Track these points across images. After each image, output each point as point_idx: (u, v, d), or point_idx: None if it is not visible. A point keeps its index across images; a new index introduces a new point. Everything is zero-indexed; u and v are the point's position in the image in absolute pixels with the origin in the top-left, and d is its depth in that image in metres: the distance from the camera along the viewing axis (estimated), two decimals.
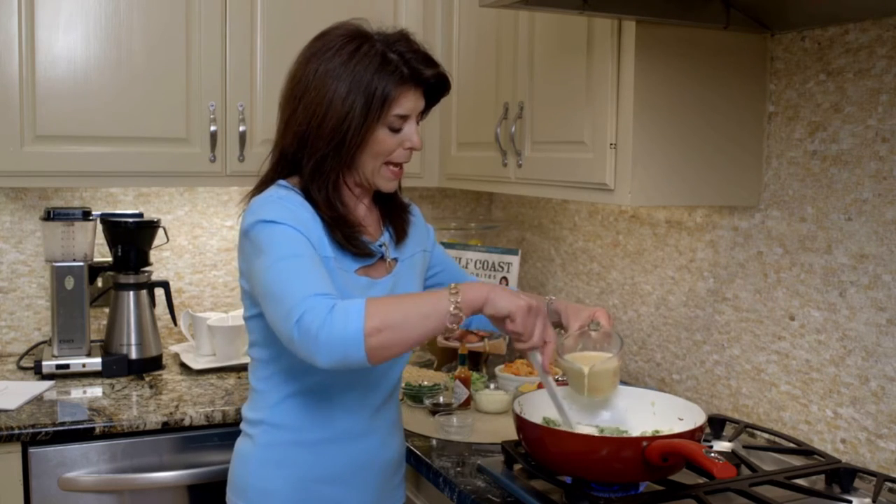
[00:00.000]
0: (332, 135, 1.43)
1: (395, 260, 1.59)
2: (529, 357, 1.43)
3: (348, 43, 1.45)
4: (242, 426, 1.59)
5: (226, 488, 1.60)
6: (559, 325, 1.67)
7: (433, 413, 2.00)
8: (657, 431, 1.56)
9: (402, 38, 1.47)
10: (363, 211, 1.57)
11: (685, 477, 1.46)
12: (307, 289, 1.30)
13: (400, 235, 1.61)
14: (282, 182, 1.50)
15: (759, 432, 1.83)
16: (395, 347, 1.28)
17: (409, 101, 1.47)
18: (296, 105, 1.47)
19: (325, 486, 1.53)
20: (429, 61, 1.48)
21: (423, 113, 1.54)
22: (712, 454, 1.30)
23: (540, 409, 1.61)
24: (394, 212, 1.62)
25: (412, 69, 1.45)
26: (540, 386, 1.84)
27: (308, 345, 1.26)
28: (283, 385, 1.51)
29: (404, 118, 1.47)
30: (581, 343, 1.59)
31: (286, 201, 1.44)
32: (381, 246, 1.56)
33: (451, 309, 1.30)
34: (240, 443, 1.59)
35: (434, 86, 1.51)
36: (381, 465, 1.60)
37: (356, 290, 1.48)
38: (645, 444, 1.36)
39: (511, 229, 2.84)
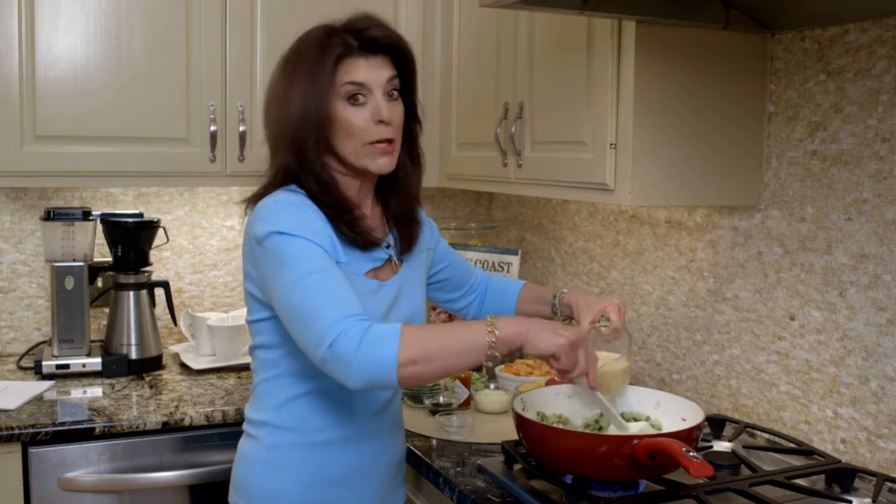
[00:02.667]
0: (297, 127, 1.44)
1: (401, 260, 1.59)
2: (576, 380, 1.44)
3: (297, 42, 1.49)
4: (245, 426, 1.59)
5: (226, 488, 1.60)
6: (570, 318, 1.68)
7: (433, 413, 2.00)
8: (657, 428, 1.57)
9: (358, 17, 1.47)
10: (367, 208, 1.56)
11: (685, 477, 1.46)
12: (338, 310, 1.31)
13: (405, 245, 1.60)
14: (292, 186, 1.49)
15: (759, 432, 1.83)
16: (427, 378, 1.31)
17: (359, 70, 1.44)
18: (267, 112, 1.52)
19: (330, 488, 1.52)
20: (378, 25, 1.46)
21: (402, 86, 1.51)
22: (691, 454, 1.30)
23: (538, 407, 1.62)
24: (407, 223, 1.61)
25: (360, 37, 1.45)
26: (550, 382, 1.86)
27: (341, 368, 1.28)
28: (288, 387, 1.51)
29: (360, 86, 1.44)
30: (591, 340, 1.59)
31: (297, 208, 1.43)
32: (387, 246, 1.56)
33: (487, 350, 1.31)
34: (243, 444, 1.58)
35: (392, 49, 1.48)
36: (384, 465, 1.60)
37: (365, 294, 1.48)
38: (635, 441, 1.37)
39: (511, 229, 2.84)
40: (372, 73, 1.45)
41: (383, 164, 1.49)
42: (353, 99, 1.45)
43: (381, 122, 1.45)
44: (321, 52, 1.44)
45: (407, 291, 1.58)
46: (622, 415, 1.62)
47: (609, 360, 1.56)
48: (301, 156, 1.46)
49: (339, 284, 1.35)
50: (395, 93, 1.49)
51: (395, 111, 1.48)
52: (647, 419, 1.62)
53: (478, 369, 2.30)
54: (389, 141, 1.48)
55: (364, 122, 1.45)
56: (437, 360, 1.29)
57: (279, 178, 1.50)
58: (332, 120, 1.45)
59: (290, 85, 1.45)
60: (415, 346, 1.28)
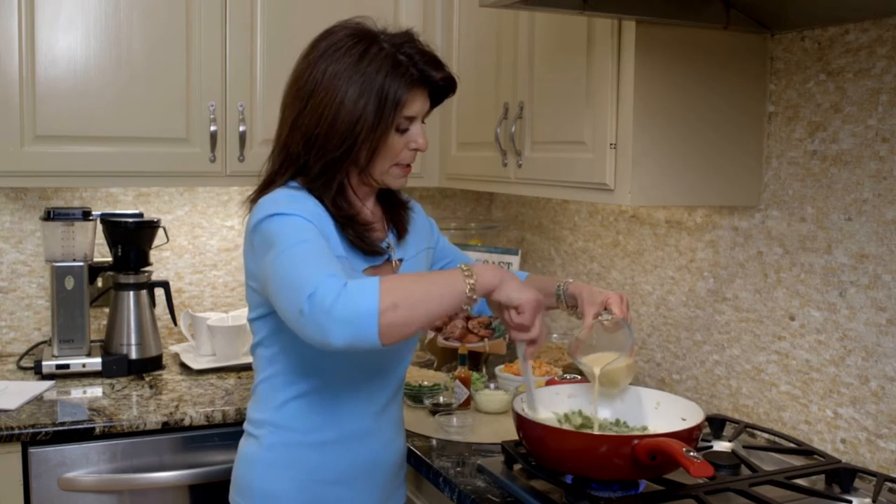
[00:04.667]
0: (343, 137, 1.43)
1: (401, 260, 1.59)
2: (517, 345, 1.47)
3: (357, 43, 1.44)
4: (246, 426, 1.59)
5: (227, 488, 1.60)
6: (575, 307, 1.67)
7: (433, 413, 2.00)
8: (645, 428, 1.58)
9: (409, 39, 1.47)
10: (370, 210, 1.57)
11: (686, 477, 1.46)
12: (319, 270, 1.28)
13: (401, 232, 1.61)
14: (291, 183, 1.49)
15: (759, 432, 1.83)
16: (409, 326, 1.26)
17: (417, 104, 1.47)
18: (303, 106, 1.45)
19: (331, 488, 1.52)
20: (437, 63, 1.48)
21: (427, 113, 1.54)
22: (692, 454, 1.30)
23: (541, 406, 1.62)
24: (394, 209, 1.62)
25: (421, 71, 1.46)
26: (550, 382, 1.85)
27: (320, 321, 1.23)
28: (289, 386, 1.51)
29: (411, 119, 1.48)
30: (595, 334, 1.59)
31: (297, 197, 1.44)
32: (387, 247, 1.56)
33: (467, 291, 1.31)
34: (244, 444, 1.58)
35: (441, 87, 1.51)
36: (385, 465, 1.60)
37: None
38: (636, 441, 1.37)
39: (511, 229, 2.84)
40: (422, 105, 1.50)
41: (403, 182, 1.55)
42: (402, 130, 1.48)
43: (415, 149, 1.50)
44: (392, 77, 1.42)
45: None
46: (625, 423, 1.63)
47: (610, 361, 1.56)
48: (330, 161, 1.45)
49: (323, 251, 1.34)
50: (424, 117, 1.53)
51: (426, 138, 1.52)
52: (645, 429, 1.62)
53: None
54: (411, 164, 1.53)
55: (402, 147, 1.49)
56: (418, 304, 1.27)
57: (285, 173, 1.49)
58: (378, 144, 1.46)
59: (345, 92, 1.42)
60: (396, 292, 1.24)
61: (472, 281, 1.31)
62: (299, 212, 1.39)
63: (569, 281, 1.70)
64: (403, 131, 1.48)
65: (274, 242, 1.36)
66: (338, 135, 1.43)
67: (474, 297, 1.32)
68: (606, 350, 1.59)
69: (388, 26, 1.49)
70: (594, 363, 1.57)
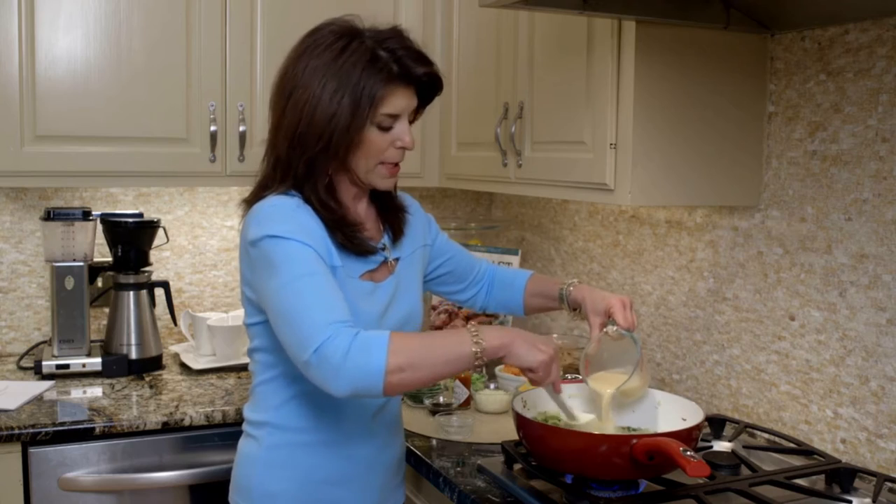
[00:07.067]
0: (320, 133, 1.41)
1: (397, 259, 1.59)
2: (545, 388, 1.48)
3: (338, 40, 1.43)
4: (245, 427, 1.59)
5: (226, 488, 1.60)
6: (577, 310, 1.67)
7: (433, 413, 2.00)
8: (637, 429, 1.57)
9: (395, 34, 1.45)
10: (362, 211, 1.57)
11: (686, 477, 1.46)
12: (326, 314, 1.30)
13: (397, 234, 1.60)
14: (287, 191, 1.48)
15: (759, 432, 1.83)
16: (412, 386, 1.32)
17: (398, 100, 1.44)
18: (284, 104, 1.45)
19: (330, 488, 1.52)
20: (421, 59, 1.45)
21: (418, 112, 1.53)
22: (689, 453, 1.30)
23: (539, 406, 1.62)
24: (390, 211, 1.61)
25: (403, 67, 1.43)
26: None
27: (326, 373, 1.28)
28: (288, 387, 1.51)
29: (394, 117, 1.45)
30: (603, 346, 1.58)
31: (292, 210, 1.42)
32: (382, 248, 1.56)
33: (475, 360, 1.33)
34: (243, 444, 1.58)
35: (426, 84, 1.49)
36: (383, 465, 1.60)
37: (361, 296, 1.48)
38: (634, 441, 1.37)
39: (511, 229, 2.84)
40: (406, 103, 1.47)
41: (390, 184, 1.53)
42: (384, 127, 1.46)
43: (401, 148, 1.48)
44: (369, 73, 1.40)
45: (403, 291, 1.58)
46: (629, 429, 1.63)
47: (619, 383, 1.55)
48: (311, 159, 1.44)
49: (329, 289, 1.35)
50: (413, 116, 1.51)
51: (413, 137, 1.50)
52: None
53: None
54: (398, 163, 1.51)
55: (385, 144, 1.47)
56: (424, 368, 1.30)
57: (277, 177, 1.48)
58: (359, 141, 1.44)
59: (322, 87, 1.40)
60: (403, 354, 1.28)
61: (478, 349, 1.33)
62: (297, 235, 1.38)
63: (574, 282, 1.69)
64: (387, 129, 1.45)
65: (275, 269, 1.36)
66: (315, 131, 1.41)
67: (481, 363, 1.34)
68: (617, 363, 1.58)
69: (378, 24, 1.47)
70: (605, 384, 1.56)
